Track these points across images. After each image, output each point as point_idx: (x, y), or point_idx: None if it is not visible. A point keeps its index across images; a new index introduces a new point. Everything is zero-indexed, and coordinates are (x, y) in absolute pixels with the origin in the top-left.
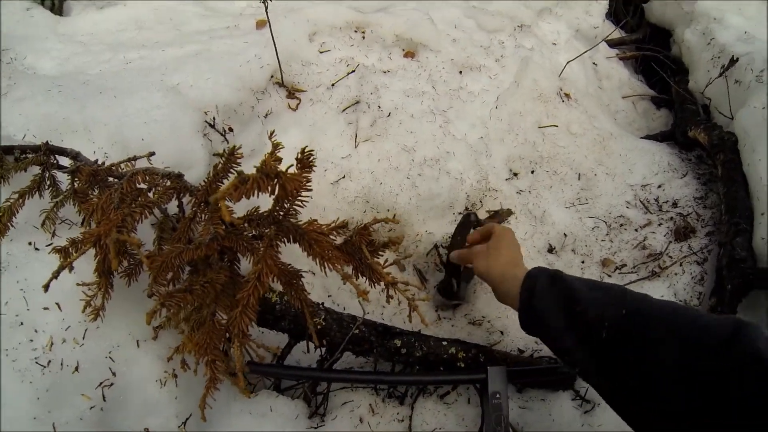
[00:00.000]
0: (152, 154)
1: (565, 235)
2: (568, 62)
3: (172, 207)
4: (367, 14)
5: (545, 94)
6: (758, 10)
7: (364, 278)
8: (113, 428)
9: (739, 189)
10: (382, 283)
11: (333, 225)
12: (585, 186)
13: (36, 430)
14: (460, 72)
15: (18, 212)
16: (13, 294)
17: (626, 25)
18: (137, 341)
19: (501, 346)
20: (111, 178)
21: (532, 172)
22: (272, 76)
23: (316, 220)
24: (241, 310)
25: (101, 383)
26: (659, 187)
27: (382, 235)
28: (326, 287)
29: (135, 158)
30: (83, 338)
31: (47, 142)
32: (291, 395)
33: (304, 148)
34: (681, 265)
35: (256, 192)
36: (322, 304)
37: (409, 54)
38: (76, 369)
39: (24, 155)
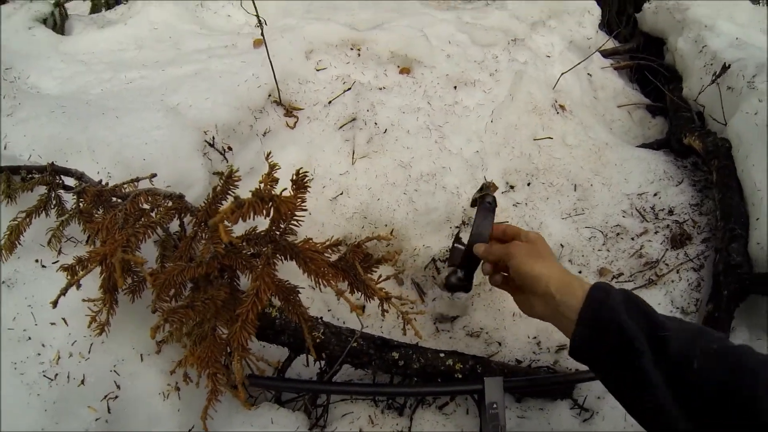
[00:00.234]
0: (154, 175)
1: (562, 245)
2: (562, 74)
3: (173, 225)
4: (363, 31)
5: (540, 107)
6: (750, 16)
7: (360, 293)
8: None
9: (733, 195)
10: (377, 298)
11: (327, 243)
12: (581, 196)
13: None
14: (455, 87)
15: (25, 231)
16: (21, 309)
17: (620, 35)
18: (141, 355)
19: (499, 356)
20: (115, 198)
21: (529, 184)
22: (270, 95)
23: (311, 239)
24: (240, 325)
25: (106, 396)
26: (655, 195)
27: (380, 250)
28: (326, 302)
29: (138, 179)
30: (89, 352)
31: (53, 162)
32: (292, 407)
33: (298, 170)
34: (678, 272)
35: (252, 215)
36: (321, 318)
37: (405, 70)
38: (82, 382)
39: (30, 175)
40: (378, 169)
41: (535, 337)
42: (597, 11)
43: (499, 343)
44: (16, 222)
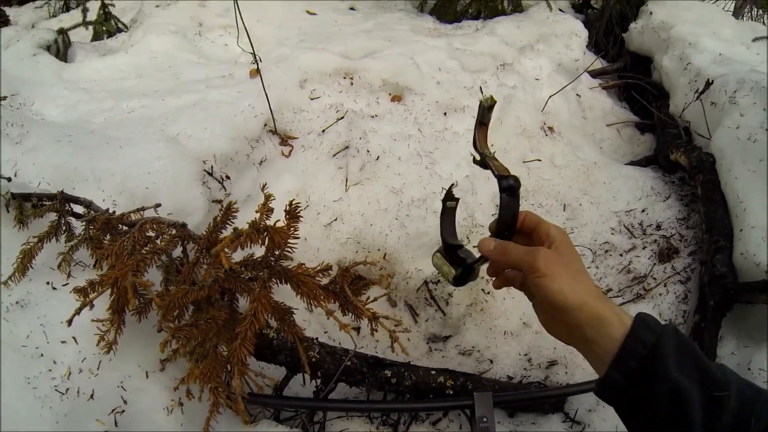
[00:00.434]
0: (158, 205)
1: None
2: (550, 96)
3: (176, 251)
4: (355, 60)
5: (529, 130)
6: (733, 32)
7: (350, 314)
8: None
9: (717, 208)
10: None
11: (318, 268)
12: (570, 216)
13: None
14: (445, 113)
15: (37, 255)
16: (33, 328)
17: (608, 55)
18: (146, 372)
19: (491, 373)
20: (122, 226)
21: None
22: (266, 124)
23: (303, 264)
24: (240, 342)
25: (114, 410)
26: (643, 211)
27: (373, 273)
28: (322, 324)
29: (143, 208)
30: (98, 369)
31: (62, 191)
32: (290, 425)
33: (291, 201)
34: (665, 285)
35: (249, 244)
36: (317, 338)
37: (396, 98)
38: (91, 396)
39: (41, 202)
40: (371, 196)
41: (525, 354)
42: (584, 33)
43: (491, 361)
44: (29, 246)
